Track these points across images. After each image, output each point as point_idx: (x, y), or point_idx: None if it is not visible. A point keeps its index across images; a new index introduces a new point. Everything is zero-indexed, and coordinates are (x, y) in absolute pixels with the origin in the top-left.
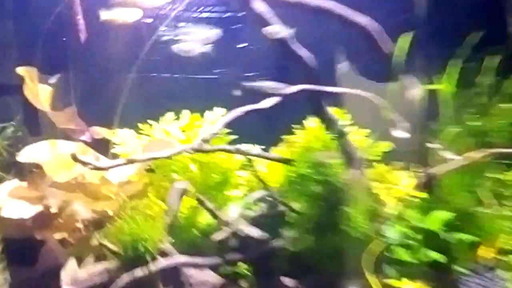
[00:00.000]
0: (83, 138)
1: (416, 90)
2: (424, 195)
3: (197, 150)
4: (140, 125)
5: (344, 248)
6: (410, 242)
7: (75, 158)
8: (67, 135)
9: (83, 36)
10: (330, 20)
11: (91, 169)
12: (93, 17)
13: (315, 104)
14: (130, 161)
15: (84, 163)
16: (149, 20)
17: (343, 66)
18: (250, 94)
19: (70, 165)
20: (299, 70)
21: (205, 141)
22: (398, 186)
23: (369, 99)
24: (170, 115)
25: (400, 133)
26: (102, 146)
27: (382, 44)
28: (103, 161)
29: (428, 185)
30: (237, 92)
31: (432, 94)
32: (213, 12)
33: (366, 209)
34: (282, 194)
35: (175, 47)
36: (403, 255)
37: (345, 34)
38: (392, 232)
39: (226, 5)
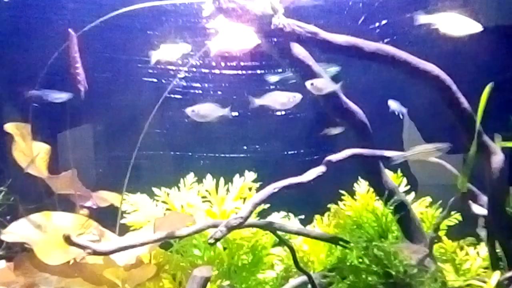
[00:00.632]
0: (86, 205)
1: (497, 154)
2: None
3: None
4: (155, 190)
5: None
6: None
7: (69, 241)
8: (67, 203)
9: (83, 88)
10: (385, 69)
11: (90, 254)
12: (96, 66)
13: (367, 168)
14: (139, 244)
15: (81, 247)
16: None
17: (406, 126)
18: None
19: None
20: (348, 130)
21: (231, 227)
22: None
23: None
24: (190, 177)
25: (479, 209)
26: (109, 215)
27: (455, 98)
28: (108, 239)
29: None
30: None
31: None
32: (240, 68)
33: None
34: (328, 281)
35: (189, 110)
36: None
37: (407, 87)
38: None
39: (258, 59)
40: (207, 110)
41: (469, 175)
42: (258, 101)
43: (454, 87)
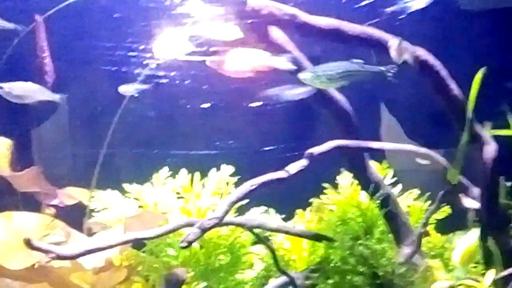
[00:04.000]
0: (51, 203)
1: (490, 144)
2: None
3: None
4: (126, 186)
5: None
6: None
7: (30, 246)
8: (31, 201)
9: (50, 79)
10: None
11: (54, 259)
12: (62, 55)
13: (350, 159)
14: (108, 246)
15: (44, 251)
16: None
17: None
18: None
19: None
20: (331, 120)
21: (205, 229)
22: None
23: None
24: (164, 172)
25: (470, 202)
26: (76, 213)
27: (446, 84)
28: (75, 240)
29: None
30: None
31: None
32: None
33: None
34: (311, 283)
35: None
36: None
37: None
38: None
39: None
40: (23, 90)
41: (460, 166)
42: None
43: (444, 72)
